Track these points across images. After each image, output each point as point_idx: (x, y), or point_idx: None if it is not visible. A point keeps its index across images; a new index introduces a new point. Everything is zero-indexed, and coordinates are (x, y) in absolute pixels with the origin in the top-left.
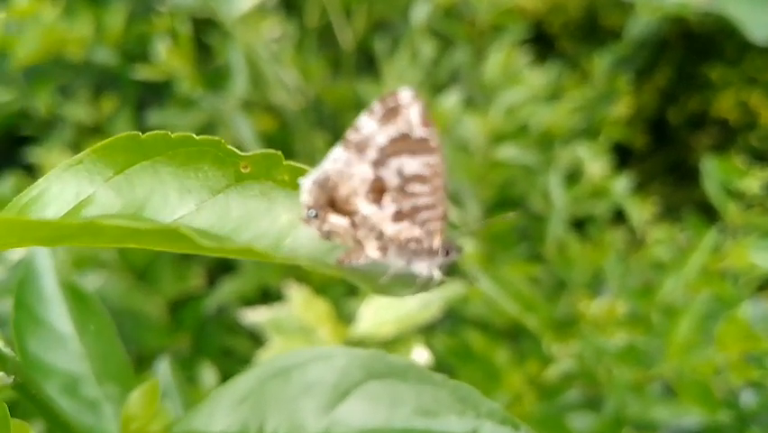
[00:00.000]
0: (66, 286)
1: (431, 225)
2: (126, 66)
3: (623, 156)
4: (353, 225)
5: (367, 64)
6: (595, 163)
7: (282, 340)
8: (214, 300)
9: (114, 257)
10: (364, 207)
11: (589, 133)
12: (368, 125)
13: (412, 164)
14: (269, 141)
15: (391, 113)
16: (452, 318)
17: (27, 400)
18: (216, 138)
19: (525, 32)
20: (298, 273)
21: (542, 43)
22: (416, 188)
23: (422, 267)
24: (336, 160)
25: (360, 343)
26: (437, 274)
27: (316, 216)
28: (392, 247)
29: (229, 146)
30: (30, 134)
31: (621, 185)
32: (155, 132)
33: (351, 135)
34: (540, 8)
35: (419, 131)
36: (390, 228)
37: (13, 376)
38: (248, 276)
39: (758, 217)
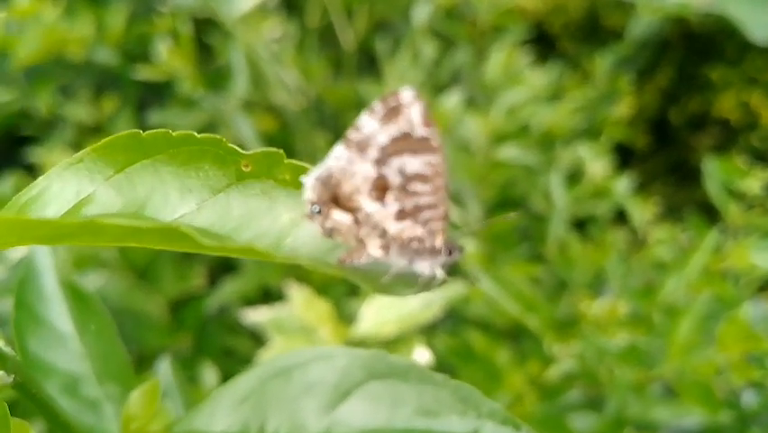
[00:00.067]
0: (66, 285)
1: (433, 225)
2: (127, 66)
3: (624, 156)
4: (356, 222)
5: (368, 64)
6: (596, 163)
7: (283, 340)
8: (216, 300)
9: (114, 256)
10: (367, 204)
11: (591, 133)
12: (369, 125)
13: (413, 163)
14: (270, 141)
15: (392, 112)
16: (454, 318)
17: (27, 400)
18: (217, 137)
19: (526, 32)
20: (299, 273)
21: (543, 44)
22: (417, 187)
23: (424, 266)
24: (338, 158)
25: (361, 343)
26: (440, 274)
27: (320, 212)
28: (394, 246)
29: (230, 145)
30: (30, 134)
31: (622, 185)
32: (156, 130)
33: (352, 134)
34: (541, 8)
35: (420, 130)
36: (393, 227)
37: (14, 375)
38: (249, 276)
39: (759, 218)
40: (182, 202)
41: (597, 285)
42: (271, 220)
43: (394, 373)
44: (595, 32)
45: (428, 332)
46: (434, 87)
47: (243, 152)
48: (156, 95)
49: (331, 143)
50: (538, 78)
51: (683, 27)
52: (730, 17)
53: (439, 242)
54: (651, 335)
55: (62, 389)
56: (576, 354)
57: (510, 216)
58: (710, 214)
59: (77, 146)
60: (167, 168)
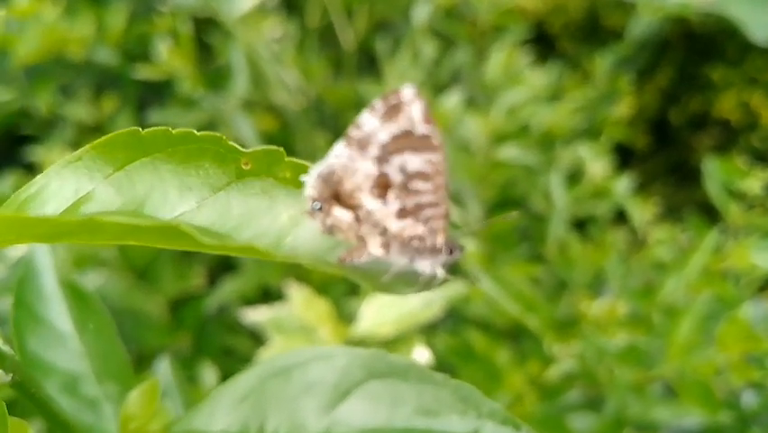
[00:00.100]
0: (66, 284)
1: (434, 223)
2: (127, 65)
3: (624, 156)
4: (357, 219)
5: (368, 64)
6: (596, 164)
7: (283, 339)
8: (215, 300)
9: (114, 256)
10: (369, 202)
11: (591, 133)
12: (370, 122)
13: (414, 161)
14: (270, 141)
15: (393, 110)
16: (454, 318)
17: (26, 399)
18: (217, 135)
19: (527, 32)
20: (299, 273)
21: (543, 44)
22: (418, 185)
23: (425, 265)
24: (339, 156)
25: (360, 342)
26: (440, 273)
27: (320, 209)
28: (395, 244)
29: (230, 143)
30: (30, 134)
31: (622, 185)
32: (155, 128)
33: (353, 132)
34: (541, 8)
35: (421, 128)
36: (394, 225)
37: (12, 375)
38: (249, 275)
39: (759, 218)
40: (182, 200)
41: (597, 285)
42: (271, 219)
43: (394, 373)
44: (595, 32)
45: (428, 331)
46: (434, 87)
47: (243, 150)
48: (156, 94)
49: (331, 143)
50: (538, 77)
51: (684, 27)
52: (731, 17)
53: (440, 240)
54: (651, 335)
55: (61, 388)
56: (576, 355)
57: (510, 216)
58: (710, 214)
59: (76, 145)
60: (166, 166)
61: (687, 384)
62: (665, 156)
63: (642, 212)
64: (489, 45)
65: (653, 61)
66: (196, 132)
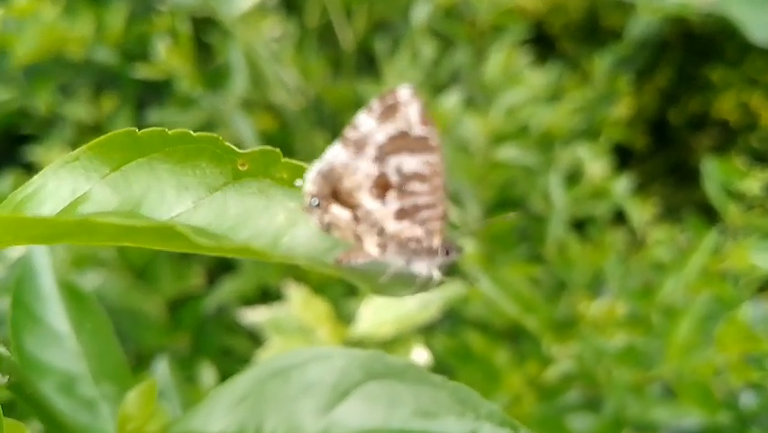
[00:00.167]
0: (63, 285)
1: (431, 225)
2: (126, 65)
3: (623, 157)
4: (355, 218)
5: (367, 64)
6: (595, 164)
7: (281, 340)
8: (214, 300)
9: (113, 256)
10: (368, 201)
11: (590, 133)
12: (366, 123)
13: (411, 162)
14: (269, 140)
15: (390, 110)
16: (452, 319)
17: (22, 400)
18: (214, 135)
19: (526, 32)
20: (298, 273)
21: (542, 44)
22: (415, 186)
23: (421, 267)
24: (336, 155)
25: (359, 343)
26: (437, 274)
27: (318, 205)
28: (392, 245)
29: (227, 143)
30: (30, 133)
31: (621, 186)
32: (152, 128)
33: (349, 133)
34: (540, 9)
35: (418, 129)
36: (392, 226)
37: (8, 376)
38: (247, 276)
39: (758, 219)
40: (178, 201)
41: (595, 286)
42: (268, 219)
43: (392, 374)
44: (595, 33)
45: (427, 332)
46: (433, 87)
47: (240, 150)
48: (155, 94)
49: (330, 143)
50: (537, 78)
51: (683, 27)
52: (730, 18)
53: (437, 242)
54: (649, 335)
55: (58, 388)
56: (575, 355)
57: (508, 217)
58: (709, 215)
59: (76, 145)
60: (163, 166)
61: (686, 385)
62: (664, 156)
63: (641, 212)
64: (488, 45)
65: (652, 62)
66: (192, 132)
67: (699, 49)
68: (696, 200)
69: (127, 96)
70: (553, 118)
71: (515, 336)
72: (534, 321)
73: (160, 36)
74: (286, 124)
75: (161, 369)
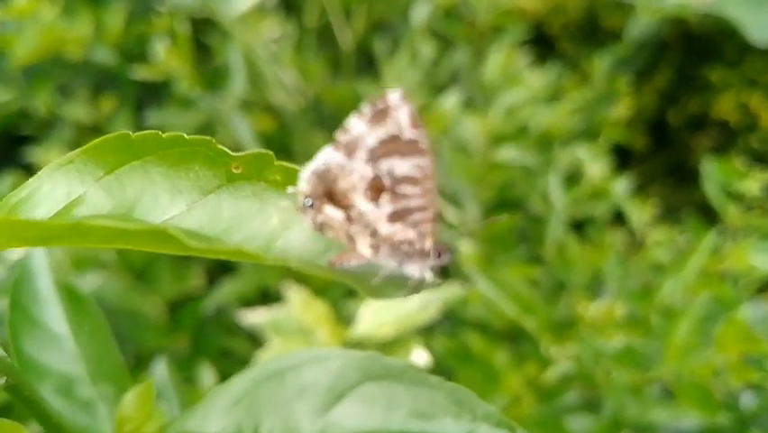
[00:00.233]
0: (61, 286)
1: (423, 227)
2: (125, 66)
3: (623, 157)
4: (348, 219)
5: (366, 64)
6: (595, 165)
7: (281, 341)
8: (213, 301)
9: (112, 257)
10: (362, 203)
11: (589, 134)
12: (357, 127)
13: (402, 166)
14: (267, 141)
15: (380, 114)
16: (452, 320)
17: (20, 402)
18: (207, 138)
19: (525, 33)
20: (298, 274)
21: (542, 44)
22: (407, 189)
23: (414, 269)
24: (330, 157)
25: (358, 344)
26: (429, 276)
27: (312, 205)
28: (385, 247)
29: (220, 146)
30: (29, 134)
31: (621, 186)
32: (146, 131)
33: (341, 136)
34: (540, 9)
35: (409, 132)
36: (385, 228)
37: (6, 377)
38: (247, 277)
39: (758, 219)
40: (172, 203)
41: (595, 286)
42: (262, 222)
43: (389, 375)
44: (594, 33)
45: (426, 333)
46: (432, 88)
47: (234, 153)
48: (154, 94)
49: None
50: (537, 78)
51: (682, 28)
52: (730, 18)
53: (428, 244)
54: (648, 336)
55: (56, 390)
56: (573, 356)
57: (502, 218)
58: (709, 215)
59: (75, 146)
60: (157, 169)
61: (685, 386)
62: (664, 157)
63: (640, 213)
64: (487, 46)
65: (651, 62)
66: (185, 135)
67: (698, 49)
68: (695, 201)
69: (126, 97)
70: (553, 119)
71: (514, 337)
72: (534, 322)
73: (158, 37)
74: (285, 125)
75: (160, 370)
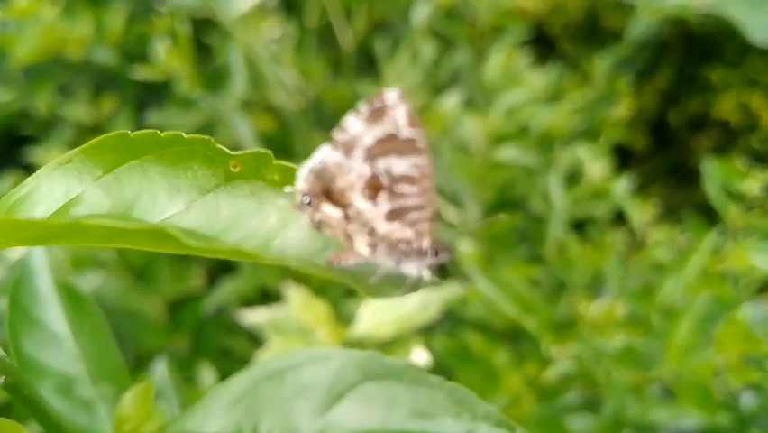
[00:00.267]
0: (61, 286)
1: (420, 226)
2: (126, 66)
3: (623, 158)
4: (346, 217)
5: (367, 65)
6: (595, 165)
7: (281, 341)
8: (214, 301)
9: (112, 257)
10: (359, 202)
11: (590, 134)
12: (354, 126)
13: (399, 165)
14: (268, 141)
15: (378, 113)
16: (452, 320)
17: (19, 401)
18: (206, 137)
19: (526, 33)
20: (297, 274)
21: (542, 45)
22: (404, 188)
23: (411, 268)
24: (328, 156)
25: (358, 344)
26: (426, 275)
27: (310, 203)
28: (382, 246)
29: (219, 145)
30: (30, 134)
31: (621, 186)
32: (144, 131)
33: (338, 135)
34: (541, 9)
35: (406, 131)
36: (383, 227)
37: (5, 377)
38: (247, 277)
39: (759, 219)
40: (170, 203)
41: (595, 286)
42: (260, 221)
43: (389, 375)
44: (594, 33)
45: (426, 333)
46: (433, 88)
47: (232, 152)
48: (155, 95)
49: None
50: (537, 78)
51: (683, 28)
52: (730, 18)
53: (426, 243)
54: (649, 336)
55: (56, 390)
56: (574, 356)
57: (502, 218)
58: (709, 215)
59: (75, 146)
60: (155, 168)
61: (685, 386)
62: (664, 157)
63: (641, 213)
64: (488, 46)
65: (652, 62)
66: (184, 134)
67: (698, 50)
68: (696, 201)
69: (127, 98)
70: (553, 119)
71: (514, 336)
72: (534, 322)
73: (159, 37)
74: (285, 125)
75: (160, 370)
